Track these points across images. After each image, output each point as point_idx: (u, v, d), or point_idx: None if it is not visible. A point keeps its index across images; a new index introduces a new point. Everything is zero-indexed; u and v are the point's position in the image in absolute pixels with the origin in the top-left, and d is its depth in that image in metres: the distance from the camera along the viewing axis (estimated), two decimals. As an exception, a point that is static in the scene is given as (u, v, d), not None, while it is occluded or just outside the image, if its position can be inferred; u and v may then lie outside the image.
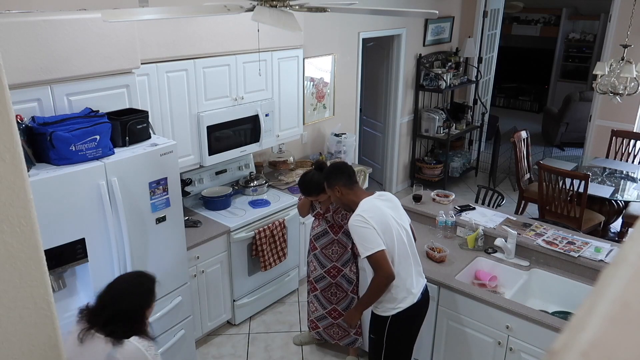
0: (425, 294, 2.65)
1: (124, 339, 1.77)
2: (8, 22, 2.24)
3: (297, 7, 2.05)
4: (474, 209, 3.66)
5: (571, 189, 4.39)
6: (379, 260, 2.37)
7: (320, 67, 4.74)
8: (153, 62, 3.07)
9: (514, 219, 3.51)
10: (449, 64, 6.36)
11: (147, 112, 2.70)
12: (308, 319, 3.50)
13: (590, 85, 7.88)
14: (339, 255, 3.18)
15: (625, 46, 4.35)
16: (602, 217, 4.63)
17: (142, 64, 2.84)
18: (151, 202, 2.63)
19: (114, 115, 2.55)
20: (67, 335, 1.81)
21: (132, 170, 2.51)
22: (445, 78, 5.89)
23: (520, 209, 5.18)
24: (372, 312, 2.63)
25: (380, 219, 2.43)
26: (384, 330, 2.57)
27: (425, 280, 2.70)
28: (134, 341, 1.79)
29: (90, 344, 1.77)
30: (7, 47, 2.20)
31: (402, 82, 5.81)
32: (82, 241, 2.36)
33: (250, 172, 4.16)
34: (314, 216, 3.23)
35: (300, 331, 3.76)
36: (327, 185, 2.68)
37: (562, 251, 3.04)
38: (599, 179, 4.87)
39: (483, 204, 4.34)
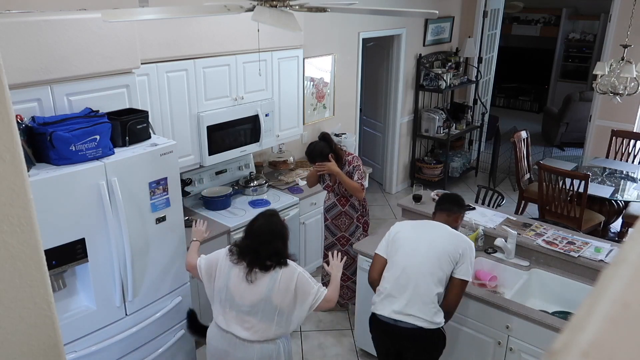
0: (405, 329, 2.45)
1: (282, 265, 2.28)
2: (8, 22, 2.24)
3: (297, 7, 2.05)
4: (474, 209, 3.66)
5: (571, 189, 4.39)
6: (373, 259, 2.74)
7: (320, 67, 4.74)
8: (153, 62, 3.07)
9: (514, 219, 3.51)
10: (449, 64, 6.36)
11: (147, 112, 2.70)
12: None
13: (590, 85, 7.88)
14: (346, 226, 3.66)
15: (625, 46, 4.35)
16: (602, 217, 4.63)
17: (142, 64, 2.83)
18: (151, 202, 2.63)
19: (114, 115, 2.55)
20: (229, 272, 2.30)
21: (132, 170, 2.51)
22: (445, 78, 5.89)
23: (520, 209, 5.18)
24: None
25: (404, 235, 2.64)
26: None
27: (424, 324, 2.44)
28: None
29: (259, 279, 2.25)
30: (7, 47, 2.20)
31: (402, 82, 5.80)
32: (82, 241, 2.36)
33: (250, 172, 4.16)
34: (324, 188, 3.70)
35: None
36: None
37: (562, 251, 3.04)
38: (599, 179, 4.87)
39: (483, 204, 4.34)
